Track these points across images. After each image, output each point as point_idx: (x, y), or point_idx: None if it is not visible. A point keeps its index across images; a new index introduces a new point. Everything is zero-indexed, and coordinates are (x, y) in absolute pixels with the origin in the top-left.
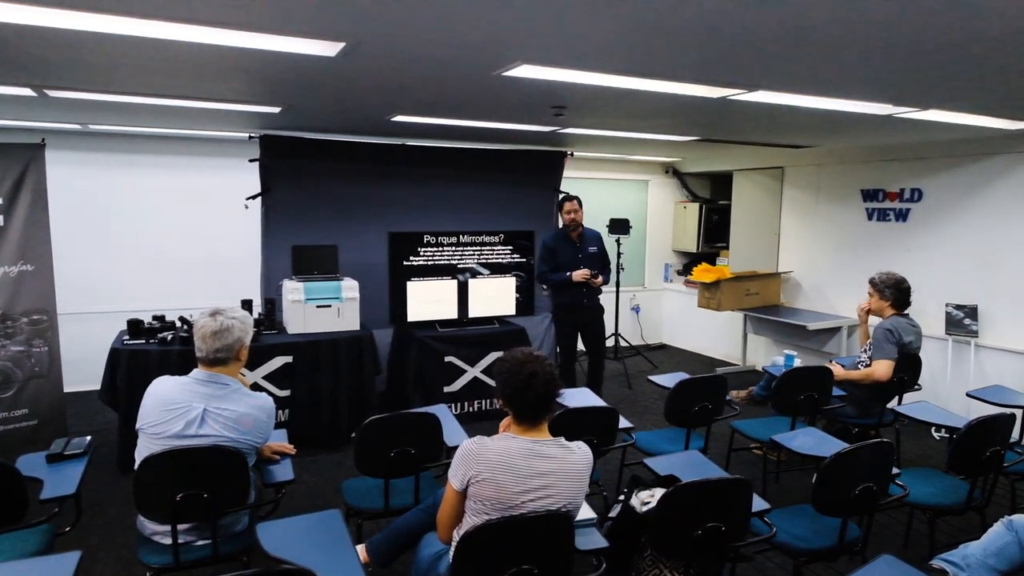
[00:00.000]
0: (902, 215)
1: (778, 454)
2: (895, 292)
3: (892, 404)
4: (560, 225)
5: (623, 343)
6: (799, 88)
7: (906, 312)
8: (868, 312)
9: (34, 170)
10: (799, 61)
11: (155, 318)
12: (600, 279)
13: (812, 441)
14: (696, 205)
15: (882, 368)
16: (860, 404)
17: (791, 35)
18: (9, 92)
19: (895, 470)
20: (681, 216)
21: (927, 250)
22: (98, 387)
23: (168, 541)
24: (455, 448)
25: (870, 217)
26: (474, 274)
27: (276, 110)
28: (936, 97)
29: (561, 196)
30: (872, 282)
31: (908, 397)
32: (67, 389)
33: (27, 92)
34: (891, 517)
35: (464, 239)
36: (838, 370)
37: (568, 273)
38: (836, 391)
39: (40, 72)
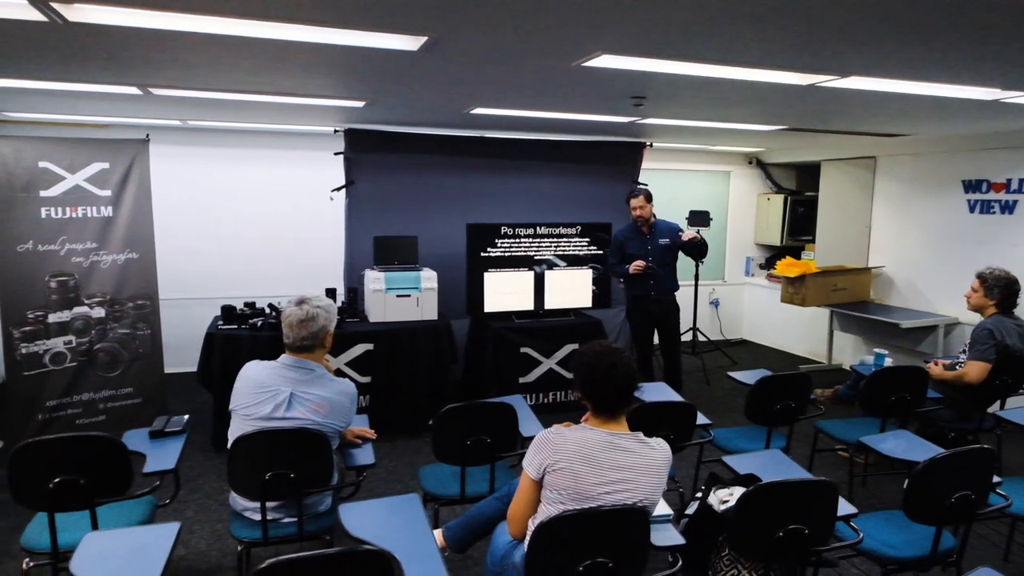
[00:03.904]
0: (1008, 207)
1: (865, 457)
2: (1003, 292)
3: (994, 408)
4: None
5: (701, 338)
6: (895, 73)
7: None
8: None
9: (139, 164)
10: (896, 44)
11: (246, 305)
12: (689, 233)
13: (904, 444)
14: (780, 197)
15: (975, 370)
16: (958, 407)
17: (887, 15)
18: (118, 91)
19: (996, 478)
20: (764, 208)
21: None
22: (195, 369)
23: (258, 517)
24: (530, 439)
25: (972, 209)
26: (551, 266)
27: (360, 104)
28: None
29: (629, 191)
30: (981, 276)
31: (1012, 401)
32: (167, 370)
33: (134, 91)
34: (990, 528)
35: (541, 231)
36: (935, 369)
37: (626, 266)
38: (931, 393)
39: (146, 72)
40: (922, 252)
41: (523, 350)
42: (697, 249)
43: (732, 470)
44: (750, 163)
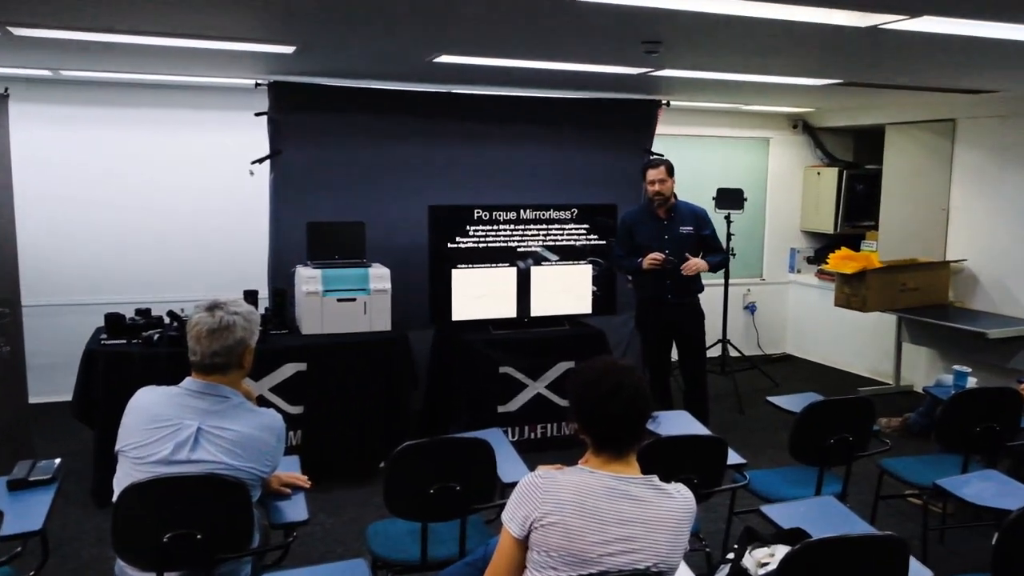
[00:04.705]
0: None
1: (944, 505)
2: None
3: None
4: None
5: (733, 353)
6: (980, 12)
7: None
8: None
9: None
10: None
11: (139, 312)
12: (695, 263)
13: (992, 488)
14: (834, 171)
15: None
16: None
17: None
18: None
19: None
20: (813, 185)
21: None
22: (69, 398)
23: None
24: (512, 485)
25: None
26: (539, 260)
27: (289, 50)
28: None
29: (645, 161)
30: None
31: None
32: (32, 399)
33: None
34: None
35: (526, 215)
36: None
37: (639, 259)
38: None
39: (1, 3)
40: (1015, 242)
41: (503, 370)
42: (714, 268)
43: (773, 523)
44: (795, 127)
